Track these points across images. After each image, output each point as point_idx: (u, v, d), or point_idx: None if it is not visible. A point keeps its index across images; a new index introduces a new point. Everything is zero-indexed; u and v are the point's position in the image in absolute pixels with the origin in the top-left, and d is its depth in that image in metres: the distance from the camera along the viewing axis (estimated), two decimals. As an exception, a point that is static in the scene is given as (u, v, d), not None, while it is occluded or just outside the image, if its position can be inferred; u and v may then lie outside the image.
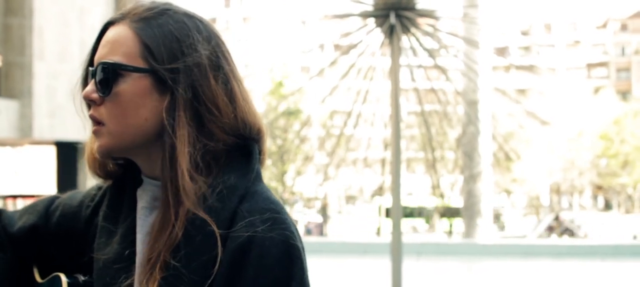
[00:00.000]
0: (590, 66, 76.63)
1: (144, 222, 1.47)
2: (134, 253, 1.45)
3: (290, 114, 37.03)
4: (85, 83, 1.52)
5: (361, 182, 43.48)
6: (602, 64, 76.68)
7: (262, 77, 40.92)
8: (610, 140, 45.74)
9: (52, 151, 12.54)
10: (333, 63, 8.83)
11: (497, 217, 41.98)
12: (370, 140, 11.42)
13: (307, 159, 31.38)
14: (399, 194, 7.80)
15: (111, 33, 1.47)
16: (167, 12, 1.47)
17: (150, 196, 1.48)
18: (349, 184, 44.65)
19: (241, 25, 69.83)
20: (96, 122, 1.45)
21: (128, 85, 1.43)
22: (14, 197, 12.02)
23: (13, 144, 12.41)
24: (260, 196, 1.41)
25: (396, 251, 7.82)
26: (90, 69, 1.48)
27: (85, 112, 1.51)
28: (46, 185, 12.37)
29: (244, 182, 1.42)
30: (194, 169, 1.40)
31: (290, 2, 65.41)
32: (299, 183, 41.49)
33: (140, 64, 1.43)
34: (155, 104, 1.42)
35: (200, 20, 1.49)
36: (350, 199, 52.25)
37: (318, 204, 45.21)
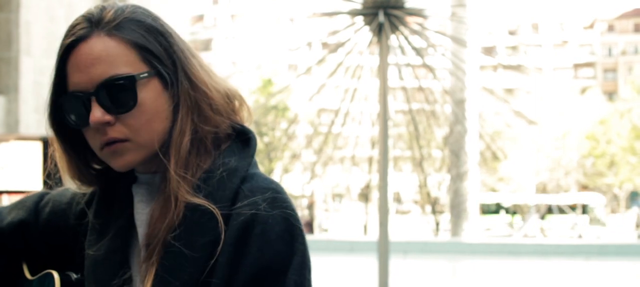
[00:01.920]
0: (577, 66, 76.94)
1: (140, 216, 1.47)
2: (127, 250, 1.45)
3: (277, 110, 37.01)
4: (55, 112, 1.45)
5: (348, 180, 43.47)
6: (589, 65, 77.00)
7: (249, 74, 40.84)
8: (596, 140, 45.92)
9: (39, 146, 12.50)
10: (321, 61, 8.83)
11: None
12: (357, 139, 11.44)
13: (295, 157, 31.37)
14: (386, 192, 7.81)
15: (95, 49, 1.40)
16: (134, 10, 1.45)
17: (145, 190, 1.47)
18: (337, 182, 44.64)
19: (229, 23, 69.72)
20: (116, 142, 1.41)
21: (145, 94, 1.40)
22: (0, 192, 11.97)
23: (5, 139, 12.36)
24: (260, 176, 1.43)
25: (383, 249, 7.84)
26: (80, 94, 1.40)
27: (57, 141, 1.48)
28: (32, 181, 12.32)
29: (244, 165, 1.43)
30: (191, 159, 1.40)
31: (278, -1, 65.36)
32: (286, 181, 41.46)
33: (144, 68, 1.41)
34: (168, 100, 1.42)
35: (155, 15, 1.49)
36: (337, 197, 52.29)
37: (305, 202, 45.17)
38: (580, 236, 38.08)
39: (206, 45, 68.53)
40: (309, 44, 9.55)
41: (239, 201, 1.37)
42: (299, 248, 1.38)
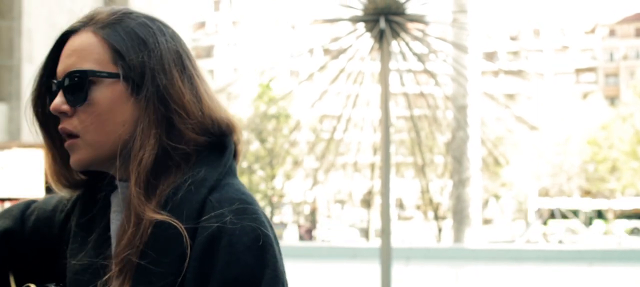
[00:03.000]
0: (578, 71, 76.90)
1: (115, 227, 1.45)
2: (106, 258, 1.42)
3: (278, 117, 37.00)
4: (38, 97, 1.49)
5: (350, 187, 43.45)
6: (591, 69, 76.97)
7: (251, 81, 40.87)
8: (598, 145, 45.85)
9: (41, 154, 12.49)
10: (323, 67, 8.82)
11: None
12: (359, 145, 11.42)
13: (297, 163, 31.40)
14: (388, 199, 7.80)
15: (76, 42, 1.44)
16: (129, 15, 1.47)
17: (121, 199, 1.45)
18: (339, 189, 44.63)
19: (231, 29, 69.78)
20: (69, 135, 1.42)
21: (102, 93, 1.40)
22: (2, 200, 11.95)
23: (1, 147, 12.35)
24: (230, 187, 1.39)
25: (385, 255, 7.82)
26: (54, 81, 1.44)
27: (36, 127, 1.50)
28: (34, 188, 12.31)
29: (214, 175, 1.40)
30: (155, 175, 1.38)
31: (280, 6, 65.38)
32: (288, 187, 41.47)
33: (112, 69, 1.41)
34: (130, 109, 1.41)
35: (162, 22, 1.49)
36: (339, 203, 52.23)
37: (307, 209, 45.16)
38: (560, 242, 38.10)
39: (208, 52, 68.59)
40: (311, 51, 9.54)
41: (206, 213, 1.34)
42: (270, 260, 1.34)
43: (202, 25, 70.43)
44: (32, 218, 1.61)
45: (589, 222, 43.37)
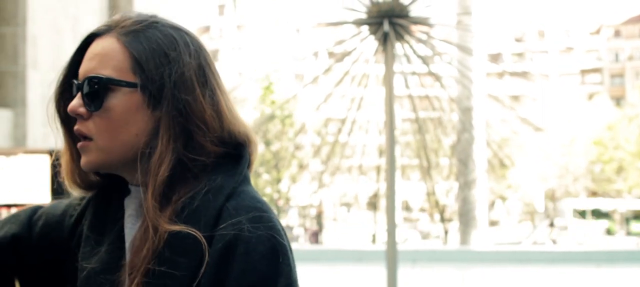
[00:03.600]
0: (583, 72, 76.76)
1: (131, 231, 1.46)
2: (121, 262, 1.43)
3: (283, 120, 36.97)
4: (61, 94, 1.50)
5: (357, 189, 43.43)
6: (596, 70, 76.82)
7: (255, 85, 40.88)
8: (604, 146, 45.76)
9: (47, 160, 12.51)
10: (327, 70, 8.82)
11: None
12: (364, 148, 11.41)
13: (302, 167, 31.35)
14: (393, 201, 7.78)
15: (99, 46, 1.45)
16: (155, 25, 1.47)
17: (137, 204, 1.46)
18: (344, 192, 44.61)
19: (235, 33, 69.81)
20: (83, 137, 1.44)
21: (118, 101, 1.41)
22: (8, 206, 11.99)
23: (7, 153, 12.37)
24: (247, 194, 1.41)
25: (391, 258, 7.80)
26: (75, 82, 1.45)
27: (57, 124, 1.51)
28: (40, 194, 12.34)
29: (231, 183, 1.41)
30: (172, 187, 1.38)
31: (284, 9, 65.41)
32: (294, 190, 41.45)
33: (130, 78, 1.42)
34: (146, 119, 1.41)
35: (187, 33, 1.49)
36: (345, 206, 52.22)
37: (313, 212, 45.13)
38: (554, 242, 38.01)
39: (213, 56, 68.58)
40: (316, 54, 9.55)
41: (222, 221, 1.35)
42: (285, 269, 1.35)
43: (206, 29, 70.48)
44: (39, 223, 1.61)
45: (626, 223, 43.19)
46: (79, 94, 1.43)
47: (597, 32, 77.31)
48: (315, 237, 42.35)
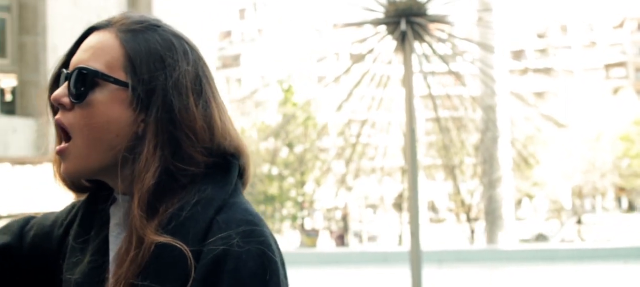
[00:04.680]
0: (608, 67, 76.22)
1: (116, 240, 1.41)
2: (105, 275, 1.39)
3: (305, 122, 37.02)
4: (54, 86, 1.46)
5: (381, 191, 43.37)
6: (620, 64, 76.25)
7: (277, 88, 40.97)
8: (631, 141, 45.39)
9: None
10: (347, 71, 8.79)
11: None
12: (386, 149, 11.37)
13: (326, 169, 31.37)
14: (417, 202, 7.73)
15: (95, 38, 1.42)
16: (156, 28, 1.43)
17: (123, 212, 1.41)
18: (369, 193, 44.56)
19: (256, 37, 70.04)
20: (62, 130, 1.39)
21: (103, 96, 1.37)
22: (34, 214, 12.06)
23: (30, 162, 12.44)
24: (238, 206, 1.35)
25: (415, 259, 7.76)
26: (65, 71, 1.42)
27: (50, 116, 1.46)
28: (64, 202, 12.41)
29: (221, 194, 1.36)
30: (158, 197, 1.33)
31: (303, 11, 65.54)
32: (319, 193, 41.47)
33: (121, 76, 1.38)
34: (129, 121, 1.37)
35: (187, 42, 1.44)
36: (371, 207, 52.17)
37: (338, 214, 45.13)
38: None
39: (235, 60, 68.88)
40: (336, 55, 9.53)
41: (212, 234, 1.30)
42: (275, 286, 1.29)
43: (228, 34, 70.77)
44: (30, 233, 1.58)
45: None
46: (65, 84, 1.40)
47: (621, 25, 76.72)
48: (341, 239, 42.34)
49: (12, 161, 12.67)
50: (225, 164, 1.41)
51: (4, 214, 12.30)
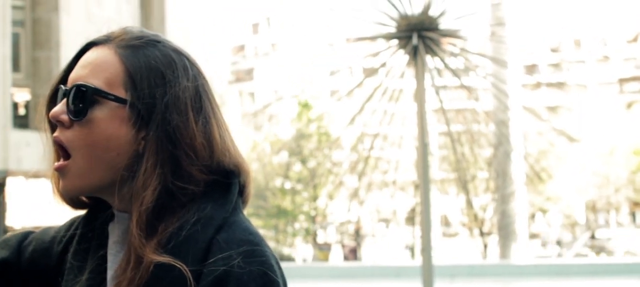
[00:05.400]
0: (622, 81, 75.90)
1: (114, 258, 1.39)
2: None
3: (318, 136, 37.01)
4: (51, 102, 1.44)
5: (394, 205, 43.24)
6: (634, 79, 75.89)
7: (291, 102, 40.97)
8: (645, 155, 45.15)
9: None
10: (359, 85, 8.79)
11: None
12: (399, 163, 11.35)
13: (339, 183, 31.36)
14: (428, 216, 7.71)
15: (94, 54, 1.39)
16: (156, 44, 1.40)
17: (122, 230, 1.39)
18: (381, 207, 44.44)
19: (270, 51, 70.16)
20: (61, 148, 1.37)
21: (103, 114, 1.35)
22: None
23: (43, 176, 12.49)
24: (238, 226, 1.33)
25: (427, 273, 7.73)
26: (63, 87, 1.39)
27: (48, 133, 1.44)
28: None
29: (221, 213, 1.33)
30: (158, 215, 1.31)
31: (316, 26, 65.61)
32: (332, 207, 41.40)
33: (120, 93, 1.35)
34: (129, 139, 1.35)
35: (187, 58, 1.42)
36: (383, 222, 52.04)
37: (351, 228, 45.02)
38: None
39: (248, 74, 69.02)
40: (349, 69, 9.51)
41: (212, 255, 1.27)
42: None
43: (241, 48, 70.95)
44: (29, 249, 1.56)
45: None
46: (63, 101, 1.37)
47: (635, 39, 76.42)
48: (353, 253, 42.22)
49: (26, 174, 12.70)
50: (225, 182, 1.39)
51: (17, 227, 12.34)
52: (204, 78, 1.44)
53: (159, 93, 1.35)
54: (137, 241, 1.29)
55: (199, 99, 1.39)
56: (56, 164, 1.39)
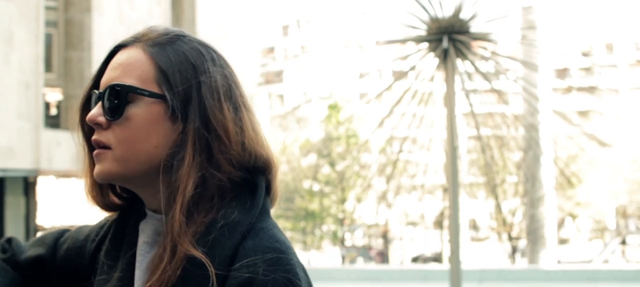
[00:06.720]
0: (654, 86, 75.07)
1: (144, 258, 1.41)
2: None
3: (347, 139, 36.98)
4: (85, 107, 1.46)
5: (422, 209, 43.09)
6: (667, 84, 75.06)
7: (320, 104, 40.98)
8: (677, 160, 44.59)
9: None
10: (389, 88, 8.77)
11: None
12: (427, 166, 11.31)
13: (367, 186, 31.31)
14: (457, 220, 7.68)
15: (123, 56, 1.42)
16: (182, 38, 1.43)
17: (152, 231, 1.42)
18: (409, 211, 44.31)
19: (299, 54, 70.25)
20: (100, 146, 1.39)
21: (140, 110, 1.37)
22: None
23: (74, 175, 12.56)
24: (265, 233, 1.33)
25: (455, 277, 7.70)
26: (96, 91, 1.42)
27: (80, 137, 1.46)
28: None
29: (247, 218, 1.34)
30: (196, 205, 1.33)
31: (346, 28, 65.57)
32: (360, 210, 41.34)
33: (154, 89, 1.38)
34: (168, 132, 1.37)
35: (213, 50, 1.45)
36: (411, 225, 51.92)
37: (379, 231, 44.94)
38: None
39: (277, 77, 69.15)
40: (379, 72, 9.51)
41: (238, 260, 1.28)
42: None
43: (271, 50, 71.12)
44: (64, 247, 1.58)
45: None
46: (99, 104, 1.39)
47: (668, 44, 75.58)
48: (381, 256, 42.15)
49: (57, 174, 12.83)
50: (253, 181, 1.40)
51: (48, 226, 12.43)
52: (231, 69, 1.46)
53: (192, 84, 1.38)
54: (177, 228, 1.31)
55: (229, 88, 1.41)
56: (95, 151, 1.40)
